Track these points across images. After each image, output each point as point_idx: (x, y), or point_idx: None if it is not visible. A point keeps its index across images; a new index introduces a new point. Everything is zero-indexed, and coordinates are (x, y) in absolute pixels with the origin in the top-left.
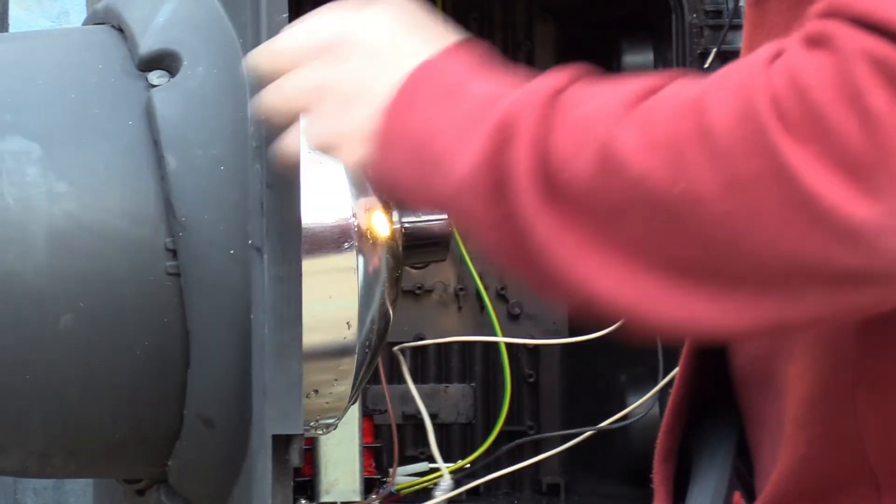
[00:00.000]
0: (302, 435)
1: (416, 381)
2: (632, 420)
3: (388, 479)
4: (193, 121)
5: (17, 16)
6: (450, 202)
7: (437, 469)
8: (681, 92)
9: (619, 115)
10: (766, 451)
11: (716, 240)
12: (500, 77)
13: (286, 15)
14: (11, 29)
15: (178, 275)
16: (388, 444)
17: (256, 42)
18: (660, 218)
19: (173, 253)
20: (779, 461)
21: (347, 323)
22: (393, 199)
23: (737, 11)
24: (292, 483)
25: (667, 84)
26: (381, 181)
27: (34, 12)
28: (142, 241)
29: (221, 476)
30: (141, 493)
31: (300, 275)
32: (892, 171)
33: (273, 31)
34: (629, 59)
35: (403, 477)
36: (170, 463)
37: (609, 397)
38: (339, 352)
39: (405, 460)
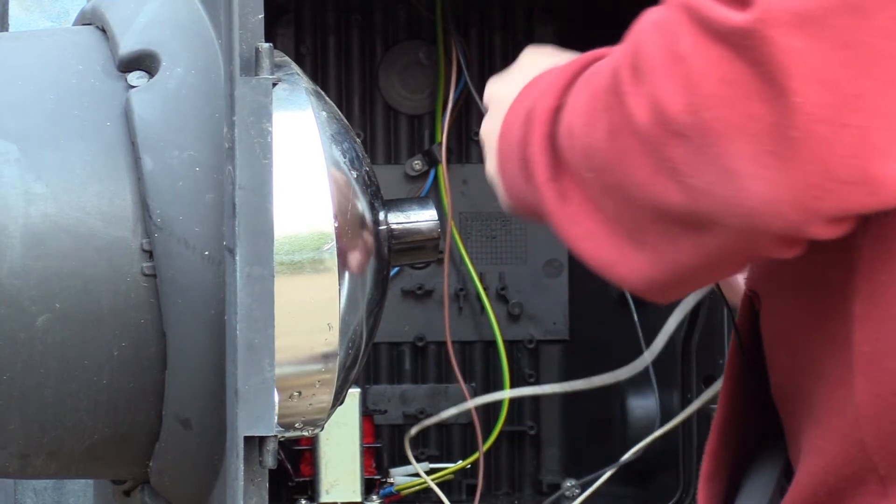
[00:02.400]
0: (275, 436)
1: (415, 381)
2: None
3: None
4: (170, 122)
5: (17, 16)
6: (519, 186)
7: (438, 469)
8: (608, 57)
9: (578, 87)
10: (798, 460)
11: (614, 187)
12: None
13: (261, 16)
14: (11, 29)
15: (154, 275)
16: (388, 444)
17: (231, 43)
18: (591, 172)
19: (149, 254)
20: (801, 460)
21: (328, 325)
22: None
23: None
24: (267, 484)
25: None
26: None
27: (34, 12)
28: (118, 242)
29: (201, 477)
30: (127, 493)
31: (272, 276)
32: (697, 116)
33: (248, 32)
34: None
35: (403, 477)
36: (151, 464)
37: (609, 397)
38: (322, 353)
39: (405, 460)
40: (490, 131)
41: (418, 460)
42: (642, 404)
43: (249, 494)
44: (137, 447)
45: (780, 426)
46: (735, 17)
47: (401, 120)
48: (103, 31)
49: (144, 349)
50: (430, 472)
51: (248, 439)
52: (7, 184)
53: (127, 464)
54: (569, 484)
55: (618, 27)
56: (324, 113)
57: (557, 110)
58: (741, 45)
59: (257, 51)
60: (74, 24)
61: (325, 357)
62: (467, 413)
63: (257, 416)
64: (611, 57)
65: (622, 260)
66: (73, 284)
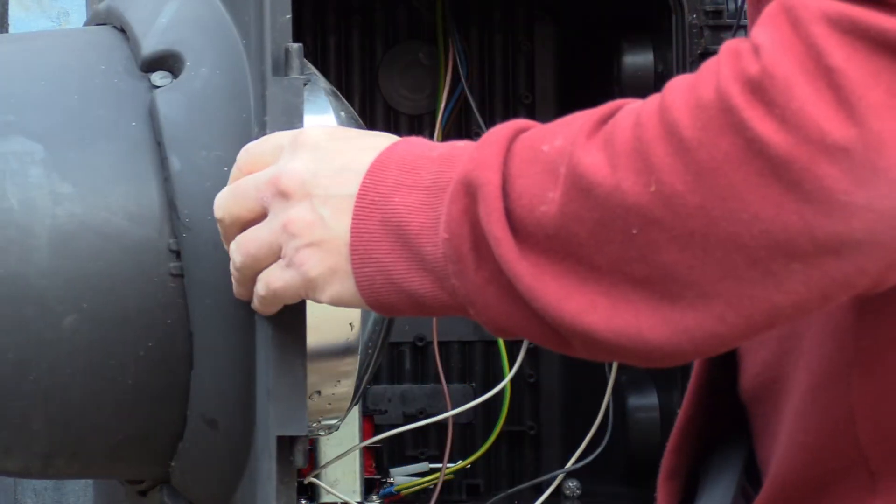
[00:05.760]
0: (306, 436)
1: (415, 381)
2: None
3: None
4: (197, 122)
5: (17, 16)
6: (444, 281)
7: (438, 469)
8: (639, 106)
9: (578, 144)
10: (773, 457)
11: (695, 233)
12: (451, 144)
13: (289, 16)
14: (11, 29)
15: (181, 276)
16: (387, 445)
17: (261, 43)
18: (637, 226)
19: (177, 254)
20: (779, 454)
21: (350, 324)
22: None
23: (737, 12)
24: (296, 484)
25: (620, 107)
26: (375, 290)
27: (34, 12)
28: (145, 243)
29: (225, 477)
30: (143, 493)
31: None
32: (864, 128)
33: (276, 32)
34: (629, 59)
35: (403, 477)
36: (173, 464)
37: (609, 398)
38: (343, 353)
39: (405, 460)
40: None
41: (418, 460)
42: (642, 404)
43: (279, 494)
44: (160, 447)
45: (742, 425)
46: None
47: (401, 120)
48: (121, 31)
49: (170, 349)
50: (429, 472)
51: (279, 439)
52: (33, 184)
53: (149, 463)
54: (569, 484)
55: (617, 27)
56: (342, 113)
57: (504, 185)
58: None
59: (287, 51)
60: (87, 24)
61: (346, 357)
62: (467, 413)
63: (289, 415)
64: (660, 104)
65: (656, 324)
66: (101, 284)
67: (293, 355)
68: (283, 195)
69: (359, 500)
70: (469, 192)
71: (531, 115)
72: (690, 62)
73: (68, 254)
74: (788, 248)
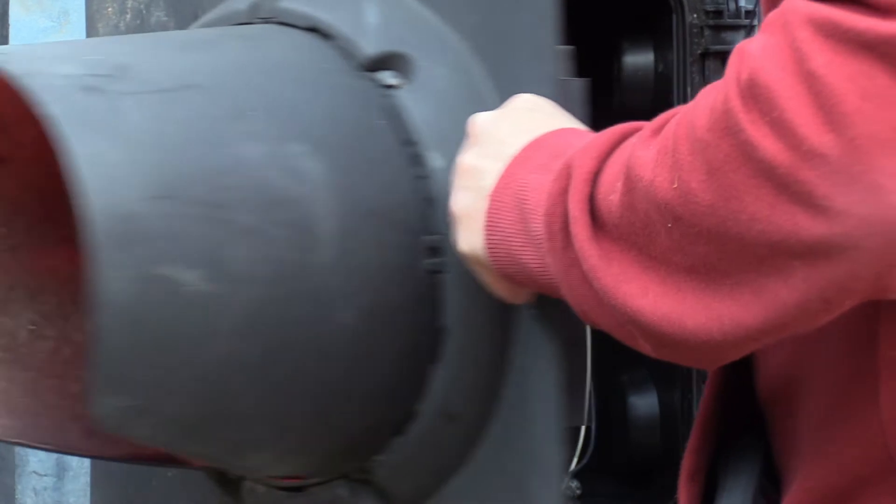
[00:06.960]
0: (580, 427)
1: None
2: None
3: None
4: (448, 121)
5: (18, 16)
6: (543, 258)
7: None
8: (686, 107)
9: (641, 139)
10: (794, 464)
11: (710, 230)
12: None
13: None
14: (12, 30)
15: (437, 272)
16: None
17: (536, 44)
18: (670, 220)
19: (434, 250)
20: (803, 464)
21: None
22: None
23: (737, 12)
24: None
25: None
26: (499, 259)
27: (34, 13)
28: (405, 239)
29: (443, 469)
30: (298, 489)
31: None
32: (840, 134)
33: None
34: (629, 59)
35: None
36: (380, 458)
37: (609, 398)
38: None
39: None
40: (482, 170)
41: None
42: (643, 404)
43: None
44: (377, 441)
45: (758, 424)
46: (883, 26)
47: None
48: (310, 31)
49: (419, 345)
50: None
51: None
52: (310, 181)
53: (355, 459)
54: (569, 484)
55: (617, 27)
56: None
57: (596, 174)
58: (889, 53)
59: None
60: (219, 24)
61: None
62: None
63: (575, 407)
64: (694, 105)
65: (697, 310)
66: (369, 280)
67: (578, 348)
68: (471, 136)
69: None
70: (568, 174)
71: None
72: (691, 62)
73: (345, 248)
74: (784, 247)
